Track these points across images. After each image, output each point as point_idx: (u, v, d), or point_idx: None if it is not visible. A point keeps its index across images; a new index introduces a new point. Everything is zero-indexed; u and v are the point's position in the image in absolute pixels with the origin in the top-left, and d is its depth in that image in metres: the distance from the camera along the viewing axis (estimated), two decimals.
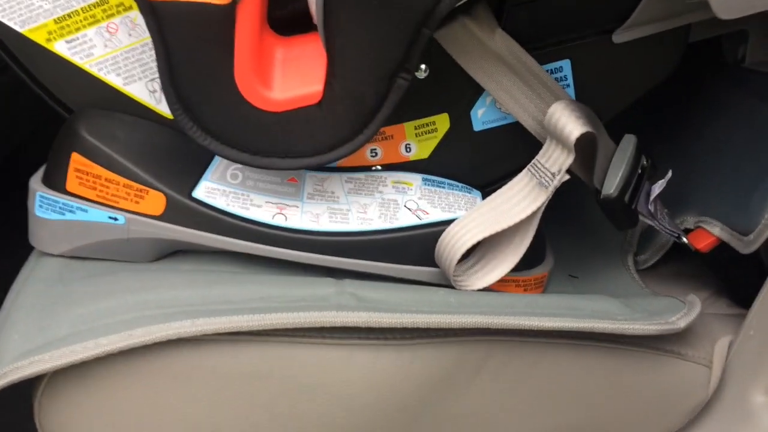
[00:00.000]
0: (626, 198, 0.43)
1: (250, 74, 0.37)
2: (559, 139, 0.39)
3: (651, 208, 0.45)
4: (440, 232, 0.43)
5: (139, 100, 0.43)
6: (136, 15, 0.41)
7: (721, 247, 0.48)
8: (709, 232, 0.47)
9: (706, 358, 0.41)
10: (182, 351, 0.34)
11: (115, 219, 0.43)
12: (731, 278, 0.50)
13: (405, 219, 0.43)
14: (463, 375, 0.37)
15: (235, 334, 0.34)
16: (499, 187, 0.43)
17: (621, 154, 0.43)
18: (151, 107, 0.43)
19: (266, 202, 0.43)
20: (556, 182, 0.39)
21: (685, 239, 0.47)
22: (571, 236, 0.54)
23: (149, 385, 0.34)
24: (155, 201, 0.42)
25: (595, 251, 0.53)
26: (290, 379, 0.35)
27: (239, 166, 0.44)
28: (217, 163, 0.44)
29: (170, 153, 0.44)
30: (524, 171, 0.42)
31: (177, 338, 0.33)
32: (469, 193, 0.45)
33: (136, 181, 0.42)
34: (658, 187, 0.45)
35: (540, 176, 0.40)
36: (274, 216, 0.43)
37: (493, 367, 0.37)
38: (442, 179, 0.46)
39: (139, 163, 0.42)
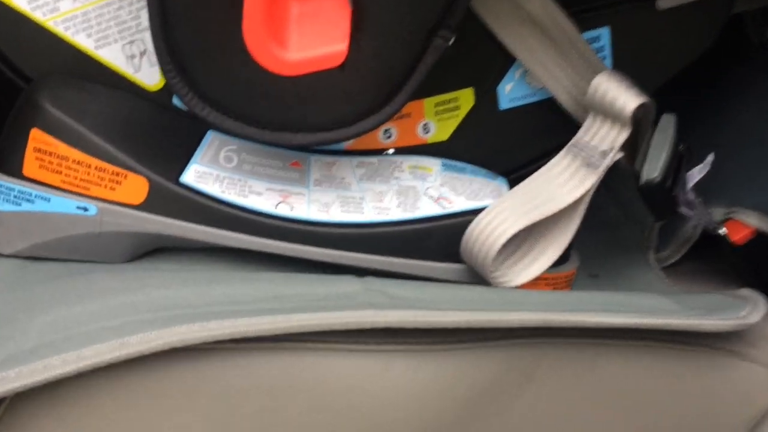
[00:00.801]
0: (668, 184, 0.39)
1: (261, 29, 0.31)
2: (609, 113, 0.35)
3: (689, 196, 0.42)
4: (466, 223, 0.37)
5: (113, 67, 0.36)
6: None
7: (755, 239, 0.44)
8: (744, 223, 0.43)
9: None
10: (187, 362, 0.27)
11: (85, 209, 0.35)
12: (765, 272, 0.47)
13: (426, 208, 0.38)
14: (512, 383, 0.31)
15: (252, 340, 0.28)
16: (526, 175, 0.38)
17: (661, 134, 0.39)
18: (128, 76, 0.37)
19: (267, 188, 0.37)
20: (608, 161, 0.34)
21: (722, 230, 0.43)
22: (585, 232, 0.50)
23: (147, 405, 0.27)
24: (135, 187, 0.35)
25: (612, 248, 0.48)
26: (317, 393, 0.29)
27: (234, 147, 0.38)
28: (208, 143, 0.37)
29: (153, 130, 0.37)
30: (563, 152, 0.37)
31: (182, 346, 0.26)
32: (494, 180, 0.40)
33: (111, 162, 0.35)
34: (697, 173, 0.41)
35: (586, 156, 0.35)
36: (277, 205, 0.36)
37: (545, 373, 0.32)
38: (464, 164, 0.41)
39: (116, 141, 0.35)
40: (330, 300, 0.30)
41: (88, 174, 0.35)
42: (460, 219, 0.38)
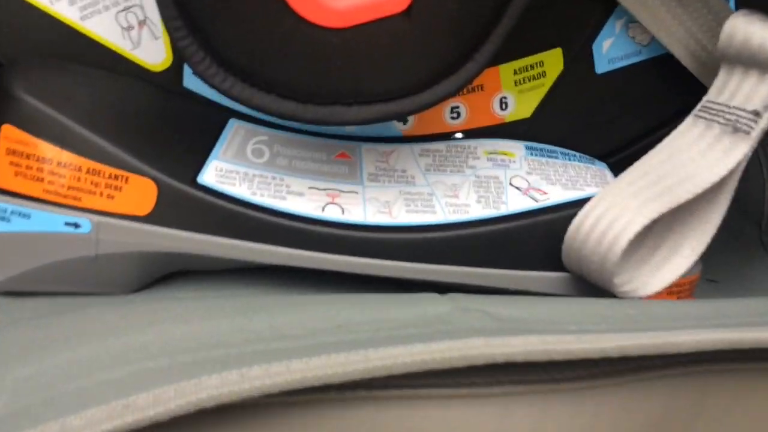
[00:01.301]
0: None
1: None
2: (755, 62, 0.27)
3: None
4: (567, 219, 0.29)
5: (105, 43, 0.28)
6: None
7: None
8: None
9: None
10: (220, 428, 0.19)
11: (76, 225, 0.27)
12: None
13: (515, 203, 0.30)
14: (675, 426, 0.22)
15: (314, 390, 0.19)
16: (630, 160, 0.30)
17: None
18: (124, 54, 0.29)
19: (310, 187, 0.28)
20: (764, 123, 0.26)
21: None
22: None
23: None
24: (140, 193, 0.27)
25: (727, 247, 0.40)
26: None
27: (264, 137, 0.29)
28: (231, 133, 0.29)
29: (159, 121, 0.29)
30: (690, 120, 0.29)
31: (214, 405, 0.18)
32: (592, 164, 0.32)
33: (108, 162, 0.27)
34: None
35: (727, 120, 0.27)
36: (324, 207, 0.28)
37: (713, 409, 0.23)
38: (553, 147, 0.32)
39: (112, 136, 0.27)
40: (417, 327, 0.21)
41: (78, 179, 0.27)
42: (558, 214, 0.29)
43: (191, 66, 0.24)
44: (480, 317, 0.22)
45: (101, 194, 0.27)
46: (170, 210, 0.27)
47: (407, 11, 0.24)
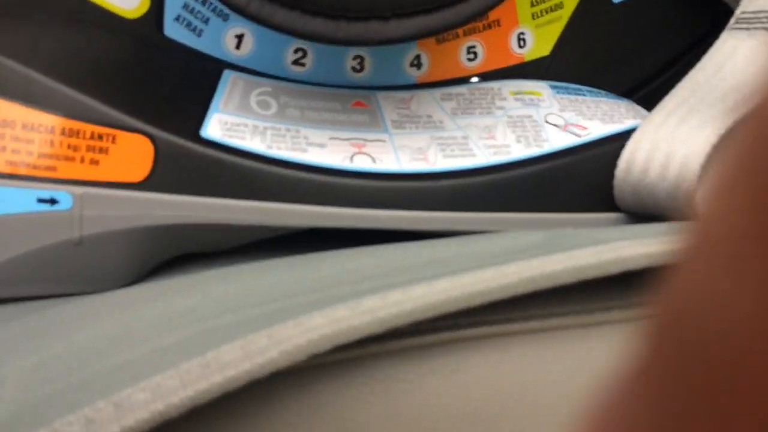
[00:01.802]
0: None
1: None
2: None
3: None
4: (615, 153, 0.26)
5: None
6: None
7: None
8: None
9: None
10: (319, 386, 0.14)
11: (52, 201, 0.22)
12: None
13: (557, 139, 0.26)
14: None
15: (423, 332, 0.15)
16: (653, 97, 0.28)
17: None
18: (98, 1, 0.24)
19: (331, 138, 0.24)
20: None
21: None
22: None
23: None
24: (132, 155, 0.22)
25: None
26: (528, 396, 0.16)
27: (268, 88, 0.25)
28: (228, 85, 0.25)
29: (141, 73, 0.24)
30: (726, 34, 0.27)
31: (329, 349, 0.13)
32: (620, 101, 0.29)
33: (89, 120, 0.22)
34: None
35: None
36: (352, 157, 0.24)
37: None
38: (578, 85, 0.30)
39: (92, 89, 0.22)
40: (519, 252, 0.18)
41: (52, 144, 0.22)
42: (604, 147, 0.26)
43: None
44: (578, 237, 0.19)
45: (82, 160, 0.22)
46: (172, 172, 0.22)
47: None
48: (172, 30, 0.25)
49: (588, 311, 0.17)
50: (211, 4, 0.25)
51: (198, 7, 0.25)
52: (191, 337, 0.14)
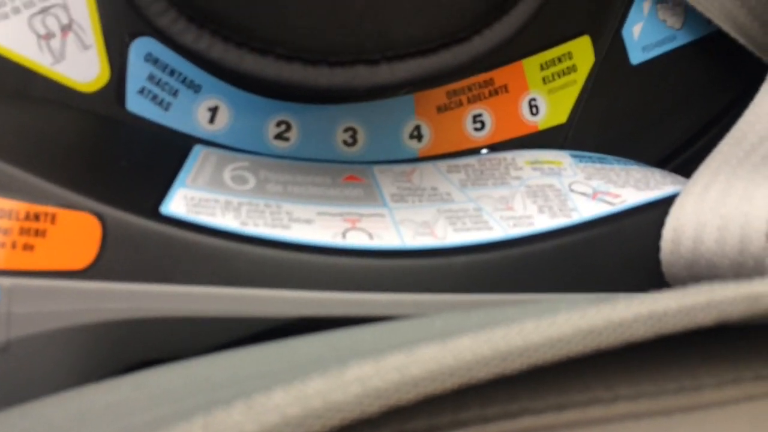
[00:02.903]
0: None
1: None
2: None
3: None
4: (657, 222, 0.22)
5: (16, 58, 0.21)
6: None
7: None
8: None
9: None
10: None
11: None
12: None
13: (587, 208, 0.23)
14: None
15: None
16: (692, 165, 0.24)
17: None
18: (42, 70, 0.21)
19: (319, 213, 0.21)
20: None
21: None
22: None
23: None
24: (74, 236, 0.18)
25: None
26: None
27: (245, 163, 0.22)
28: (199, 160, 0.21)
29: (95, 149, 0.21)
30: (766, 85, 0.24)
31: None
32: (650, 168, 0.26)
33: (23, 198, 0.18)
34: None
35: None
36: (345, 233, 0.20)
37: None
38: (602, 155, 0.26)
39: (29, 164, 0.19)
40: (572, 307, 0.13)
41: None
42: (644, 215, 0.22)
43: (151, 21, 0.17)
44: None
45: (14, 245, 0.18)
46: (123, 256, 0.18)
47: None
48: (136, 104, 0.22)
49: (667, 392, 0.13)
50: (180, 74, 0.22)
51: (165, 78, 0.22)
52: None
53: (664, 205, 0.22)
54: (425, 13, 0.18)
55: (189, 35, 0.17)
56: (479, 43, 0.18)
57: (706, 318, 0.11)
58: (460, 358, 0.09)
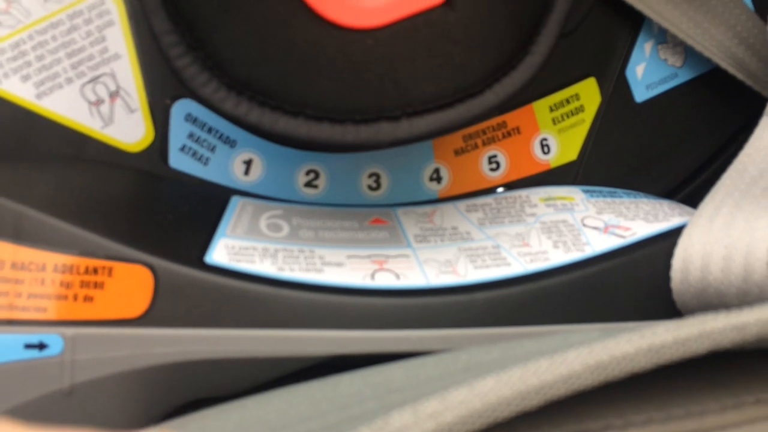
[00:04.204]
0: None
1: None
2: None
3: None
4: (666, 253, 0.23)
5: (68, 123, 0.23)
6: None
7: None
8: None
9: None
10: None
11: (41, 346, 0.20)
12: None
13: (600, 242, 0.24)
14: None
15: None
16: (698, 196, 0.26)
17: None
18: (93, 133, 0.23)
19: (349, 256, 0.22)
20: None
21: None
22: None
23: None
24: (130, 287, 0.20)
25: None
26: None
27: (279, 211, 0.23)
28: (237, 211, 0.23)
29: (142, 205, 0.23)
30: (765, 119, 0.25)
31: None
32: (660, 200, 0.27)
33: (84, 254, 0.20)
34: None
35: None
36: (374, 275, 0.22)
37: None
38: (612, 188, 0.28)
39: (86, 222, 0.21)
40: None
41: (42, 282, 0.20)
42: (654, 247, 0.24)
43: (194, 91, 0.19)
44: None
45: (75, 297, 0.20)
46: (174, 303, 0.20)
47: (448, 1, 0.20)
48: (178, 161, 0.24)
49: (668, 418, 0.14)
50: (217, 131, 0.24)
51: (204, 135, 0.24)
52: None
53: (672, 236, 0.24)
54: (440, 73, 0.20)
55: (229, 102, 0.19)
56: (491, 97, 0.20)
57: (700, 348, 0.12)
58: (486, 401, 0.11)
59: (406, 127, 0.20)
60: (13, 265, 0.20)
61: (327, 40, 0.19)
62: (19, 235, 0.20)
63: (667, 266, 0.23)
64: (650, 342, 0.12)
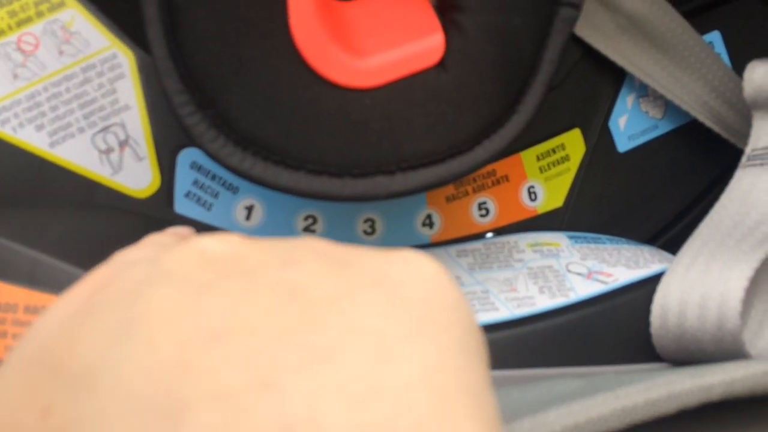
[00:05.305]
0: None
1: (316, 29, 0.20)
2: None
3: None
4: (645, 299, 0.25)
5: (80, 171, 0.24)
6: (72, 16, 0.24)
7: None
8: None
9: None
10: None
11: None
12: None
13: (583, 288, 0.25)
14: None
15: None
16: (678, 241, 0.27)
17: None
18: (103, 180, 0.24)
19: None
20: None
21: None
22: None
23: None
24: None
25: None
26: None
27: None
28: None
29: None
30: (740, 172, 0.26)
31: None
32: (642, 246, 0.28)
33: None
34: None
35: None
36: None
37: None
38: (596, 234, 0.29)
39: (94, 263, 0.22)
40: (558, 399, 0.16)
41: None
42: (634, 294, 0.25)
43: (202, 146, 0.20)
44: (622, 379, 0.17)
45: None
46: None
47: (441, 63, 0.21)
48: (183, 206, 0.25)
49: None
50: (220, 179, 0.25)
51: (208, 182, 0.25)
52: None
53: (652, 283, 0.25)
54: (434, 130, 0.21)
55: (235, 158, 0.20)
56: (481, 153, 0.21)
57: (669, 408, 0.13)
58: None
59: (401, 181, 0.21)
60: (26, 309, 0.21)
61: (328, 100, 0.21)
62: (34, 279, 0.21)
63: (647, 312, 0.25)
64: (623, 404, 0.13)
